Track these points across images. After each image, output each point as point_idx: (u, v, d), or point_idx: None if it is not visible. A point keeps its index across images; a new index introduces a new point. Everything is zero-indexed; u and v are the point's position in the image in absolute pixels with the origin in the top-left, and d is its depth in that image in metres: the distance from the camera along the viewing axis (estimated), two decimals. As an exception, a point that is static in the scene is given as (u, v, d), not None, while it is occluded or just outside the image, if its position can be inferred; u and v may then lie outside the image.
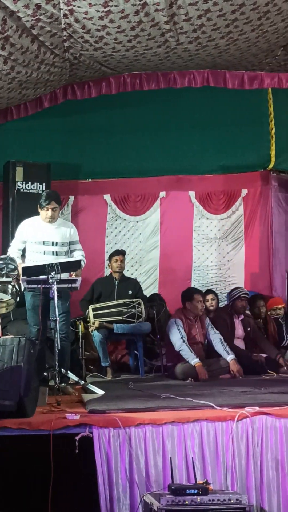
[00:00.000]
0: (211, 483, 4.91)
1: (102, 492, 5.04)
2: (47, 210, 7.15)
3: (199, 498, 4.54)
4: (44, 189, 9.04)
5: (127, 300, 8.39)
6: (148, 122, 10.42)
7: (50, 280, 6.64)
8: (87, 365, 8.41)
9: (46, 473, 5.00)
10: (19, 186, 9.19)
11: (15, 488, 5.54)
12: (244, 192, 10.76)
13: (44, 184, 9.30)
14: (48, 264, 6.70)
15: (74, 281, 6.91)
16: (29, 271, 6.81)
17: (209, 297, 9.23)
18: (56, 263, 6.71)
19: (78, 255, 7.22)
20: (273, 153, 10.61)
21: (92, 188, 10.44)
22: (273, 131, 10.57)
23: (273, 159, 10.63)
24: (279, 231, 10.74)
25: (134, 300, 8.40)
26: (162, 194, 10.60)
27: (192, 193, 10.67)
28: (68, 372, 6.84)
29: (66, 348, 7.07)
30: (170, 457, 5.07)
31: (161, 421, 5.27)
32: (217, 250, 10.65)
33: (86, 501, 5.24)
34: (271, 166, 10.68)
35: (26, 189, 9.24)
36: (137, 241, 10.53)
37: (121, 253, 8.95)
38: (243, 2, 7.44)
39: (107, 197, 10.44)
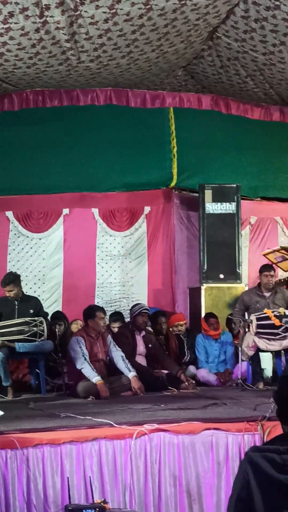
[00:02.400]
0: (109, 502, 4.89)
1: (-2, 515, 4.96)
2: None
3: (95, 517, 4.53)
4: None
5: (28, 318, 8.29)
6: (51, 139, 10.41)
7: None
8: (-13, 385, 8.25)
9: None
10: None
11: None
12: (147, 209, 10.86)
13: None
14: None
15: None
16: None
17: (115, 324, 9.37)
18: None
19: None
20: (175, 171, 10.78)
21: (-7, 204, 10.32)
22: (175, 149, 10.75)
23: (175, 177, 10.79)
24: (181, 248, 10.88)
25: (36, 318, 8.30)
26: (66, 211, 10.58)
27: (95, 210, 10.68)
28: None
29: None
30: (68, 477, 5.03)
31: (59, 440, 5.21)
32: (121, 267, 10.70)
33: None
34: (173, 184, 10.84)
35: None
36: (40, 258, 10.47)
37: (7, 284, 8.47)
38: (143, 23, 7.57)
39: (9, 214, 10.35)
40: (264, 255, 7.82)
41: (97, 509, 4.58)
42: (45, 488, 5.09)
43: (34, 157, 10.36)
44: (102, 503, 4.72)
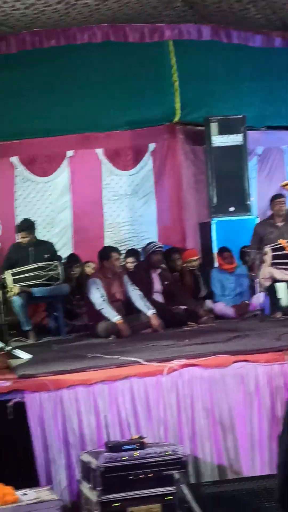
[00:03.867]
0: (145, 437, 4.96)
1: (38, 456, 5.03)
2: None
3: (136, 452, 4.60)
4: None
5: (44, 263, 8.30)
6: (50, 80, 10.20)
7: None
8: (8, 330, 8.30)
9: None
10: None
11: None
12: (152, 146, 10.75)
13: None
14: None
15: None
16: None
17: (129, 260, 9.35)
18: None
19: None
20: (178, 105, 10.60)
21: (-4, 151, 10.19)
22: (177, 83, 10.56)
23: (178, 111, 10.62)
24: (189, 183, 10.81)
25: (51, 262, 8.32)
26: (70, 153, 10.46)
27: (99, 150, 10.57)
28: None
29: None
30: (105, 416, 5.10)
31: (91, 381, 5.26)
32: (128, 206, 10.64)
33: (23, 465, 5.20)
34: (176, 118, 10.67)
35: None
36: (47, 203, 10.39)
37: (20, 231, 8.63)
38: None
39: (14, 159, 10.22)
40: (282, 186, 7.81)
41: (137, 445, 4.65)
42: (81, 427, 5.15)
43: (33, 100, 10.14)
44: (139, 439, 4.80)
